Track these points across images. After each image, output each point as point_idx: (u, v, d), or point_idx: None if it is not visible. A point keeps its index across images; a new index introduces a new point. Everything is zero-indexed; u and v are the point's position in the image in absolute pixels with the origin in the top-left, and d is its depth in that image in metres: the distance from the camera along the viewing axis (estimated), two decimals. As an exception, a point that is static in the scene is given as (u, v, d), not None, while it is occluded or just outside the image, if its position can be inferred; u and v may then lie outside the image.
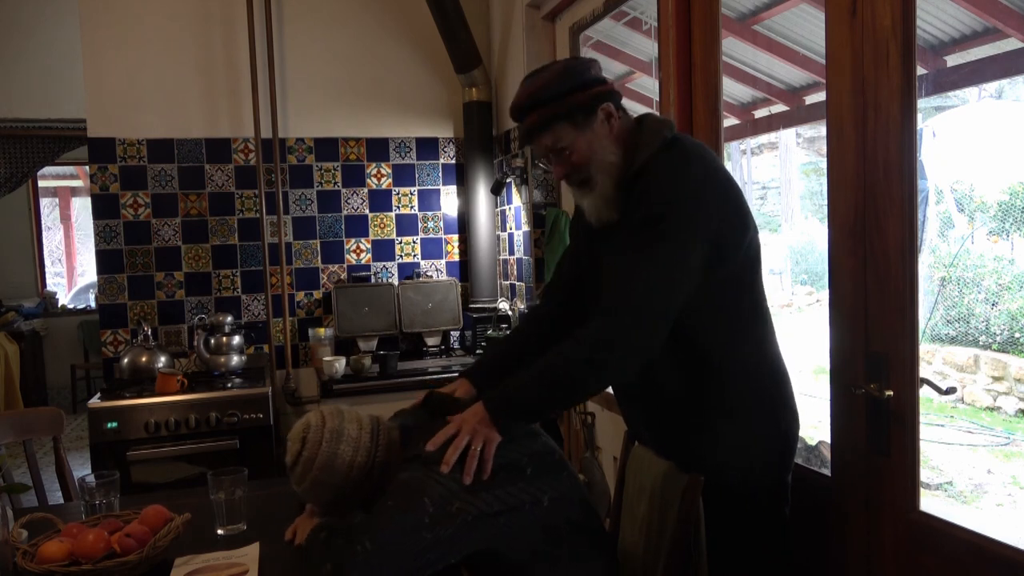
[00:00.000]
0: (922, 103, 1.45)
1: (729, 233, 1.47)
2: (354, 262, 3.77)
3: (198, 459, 2.99)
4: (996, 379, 2.99)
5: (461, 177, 3.87)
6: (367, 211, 3.77)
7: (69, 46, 4.85)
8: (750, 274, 1.54)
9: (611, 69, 3.63)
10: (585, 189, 1.55)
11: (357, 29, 3.70)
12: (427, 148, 3.84)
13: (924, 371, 1.45)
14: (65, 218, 8.32)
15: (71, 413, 6.61)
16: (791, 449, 1.58)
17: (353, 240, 3.76)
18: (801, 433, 1.61)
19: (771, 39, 3.11)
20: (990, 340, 2.95)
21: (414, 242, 3.85)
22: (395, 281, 3.81)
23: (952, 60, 2.38)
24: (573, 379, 1.43)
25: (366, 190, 3.77)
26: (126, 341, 3.46)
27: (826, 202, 1.60)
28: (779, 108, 3.35)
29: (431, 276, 3.86)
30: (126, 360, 3.28)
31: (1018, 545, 1.26)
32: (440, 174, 3.87)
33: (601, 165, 1.51)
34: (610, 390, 1.70)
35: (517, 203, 3.48)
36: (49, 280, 7.50)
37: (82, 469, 4.33)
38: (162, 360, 3.31)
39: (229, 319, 3.41)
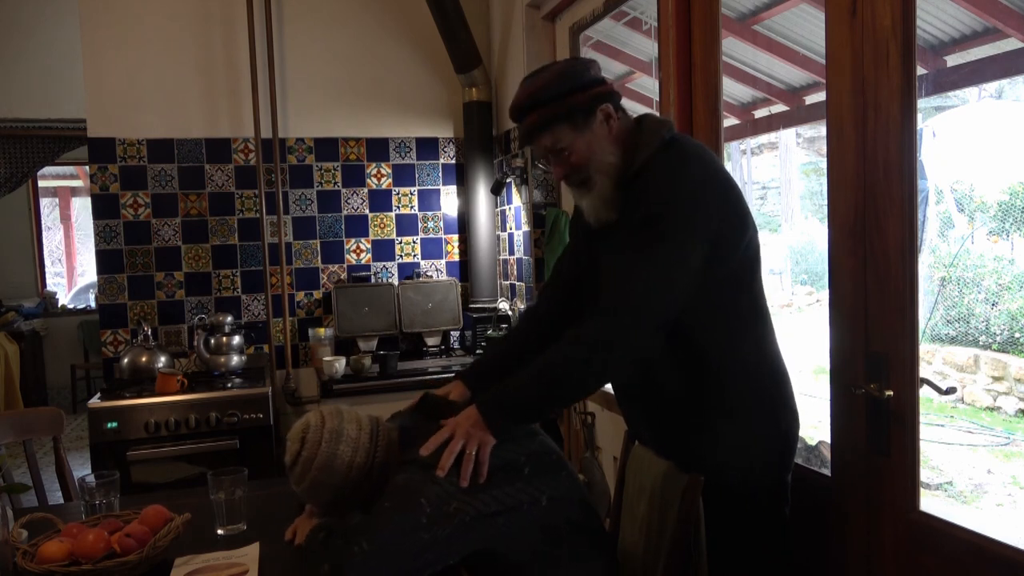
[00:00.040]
0: (922, 103, 1.45)
1: (728, 233, 1.47)
2: (354, 262, 3.77)
3: (198, 459, 2.99)
4: (996, 379, 2.99)
5: (461, 177, 3.87)
6: (367, 211, 3.77)
7: (69, 46, 4.85)
8: (749, 273, 1.54)
9: (611, 69, 3.63)
10: (584, 189, 1.55)
11: (357, 29, 3.70)
12: (427, 148, 3.84)
13: (924, 371, 1.45)
14: (65, 218, 8.32)
15: (71, 413, 6.61)
16: (791, 449, 1.58)
17: (353, 240, 3.76)
18: (801, 433, 1.61)
19: (771, 39, 3.11)
20: (990, 340, 2.95)
21: (414, 242, 3.85)
22: (395, 281, 3.81)
23: (952, 60, 2.38)
24: (572, 379, 1.43)
25: (366, 190, 3.77)
26: (126, 341, 3.46)
27: (826, 202, 1.60)
28: (779, 108, 3.35)
29: (431, 276, 3.86)
30: (126, 360, 3.28)
31: (1018, 545, 1.25)
32: (440, 174, 3.87)
33: (600, 166, 1.51)
34: (610, 390, 1.70)
35: (517, 203, 3.48)
36: (49, 280, 7.50)
37: (82, 469, 4.33)
38: (162, 360, 3.31)
39: (229, 319, 3.41)
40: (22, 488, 1.71)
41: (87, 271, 8.25)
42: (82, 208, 8.30)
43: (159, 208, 3.48)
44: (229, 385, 3.22)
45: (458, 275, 3.90)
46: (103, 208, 3.43)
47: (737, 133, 3.75)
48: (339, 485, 1.43)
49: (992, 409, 3.02)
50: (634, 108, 1.61)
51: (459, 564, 1.38)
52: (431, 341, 3.72)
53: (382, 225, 3.80)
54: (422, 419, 1.54)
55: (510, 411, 1.43)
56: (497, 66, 3.72)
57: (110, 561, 1.38)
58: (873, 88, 1.46)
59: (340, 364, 3.26)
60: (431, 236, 3.88)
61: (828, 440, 1.64)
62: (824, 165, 1.60)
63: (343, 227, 3.74)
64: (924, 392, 1.43)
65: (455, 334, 3.82)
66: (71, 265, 8.32)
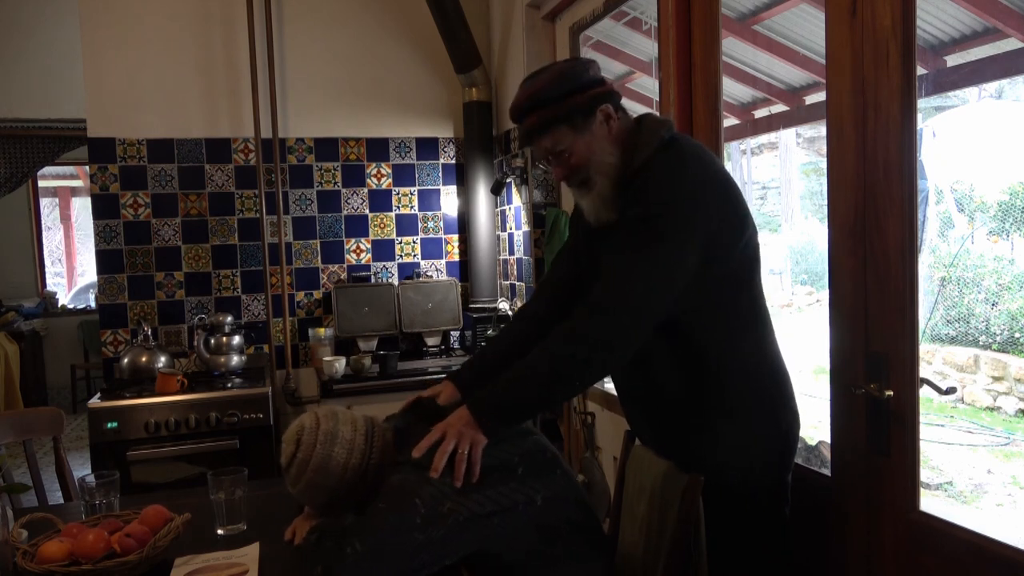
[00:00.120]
0: (922, 103, 1.45)
1: (727, 232, 1.47)
2: (354, 262, 3.77)
3: (198, 459, 2.99)
4: (996, 379, 2.99)
5: (461, 177, 3.87)
6: (367, 211, 3.77)
7: (69, 46, 4.85)
8: (748, 273, 1.53)
9: (611, 69, 3.63)
10: (584, 190, 1.55)
11: (357, 29, 3.70)
12: (427, 148, 3.84)
13: (924, 371, 1.45)
14: (65, 218, 8.32)
15: (71, 413, 6.61)
16: (791, 449, 1.58)
17: (353, 240, 3.76)
18: (801, 433, 1.61)
19: (771, 39, 3.11)
20: (990, 340, 2.95)
21: (414, 242, 3.86)
22: (395, 281, 3.81)
23: (952, 60, 2.39)
24: (570, 378, 1.42)
25: (366, 190, 3.77)
26: (126, 341, 3.46)
27: (826, 202, 1.60)
28: (779, 108, 3.35)
29: (431, 276, 3.86)
30: (126, 360, 3.28)
31: (1018, 545, 1.26)
32: (440, 174, 3.87)
33: (600, 166, 1.51)
34: (611, 390, 1.70)
35: (517, 203, 3.48)
36: (49, 280, 7.50)
37: (82, 469, 4.33)
38: (162, 360, 3.31)
39: (229, 319, 3.41)
40: (22, 488, 1.71)
41: (87, 271, 8.25)
42: (82, 208, 8.30)
43: (159, 208, 3.48)
44: (229, 385, 3.22)
45: (458, 275, 3.90)
46: (103, 208, 3.43)
47: (737, 133, 3.75)
48: (334, 486, 1.43)
49: (992, 409, 3.02)
50: (634, 108, 1.61)
51: (459, 564, 1.37)
52: (431, 341, 3.72)
53: (382, 225, 3.80)
54: (416, 420, 1.54)
55: (502, 410, 1.42)
56: (497, 66, 3.72)
57: (110, 561, 1.38)
58: (873, 88, 1.46)
59: (340, 364, 3.26)
60: (431, 236, 3.88)
61: (828, 440, 1.64)
62: (824, 165, 1.60)
63: (343, 227, 3.74)
64: (924, 392, 1.43)
65: (455, 334, 3.82)
66: (71, 265, 8.32)
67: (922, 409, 1.43)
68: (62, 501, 2.37)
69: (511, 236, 3.61)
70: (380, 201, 3.79)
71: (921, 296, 1.44)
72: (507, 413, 1.43)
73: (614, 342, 1.39)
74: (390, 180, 3.80)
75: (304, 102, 3.64)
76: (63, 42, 5.15)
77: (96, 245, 3.43)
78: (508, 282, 3.70)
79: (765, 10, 3.02)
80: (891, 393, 1.45)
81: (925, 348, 3.04)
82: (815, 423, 2.37)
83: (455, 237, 3.91)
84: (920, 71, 1.43)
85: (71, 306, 7.35)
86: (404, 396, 1.70)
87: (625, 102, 1.58)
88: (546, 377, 1.41)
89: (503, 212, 3.73)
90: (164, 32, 3.45)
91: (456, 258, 3.92)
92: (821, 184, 3.88)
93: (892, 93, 1.43)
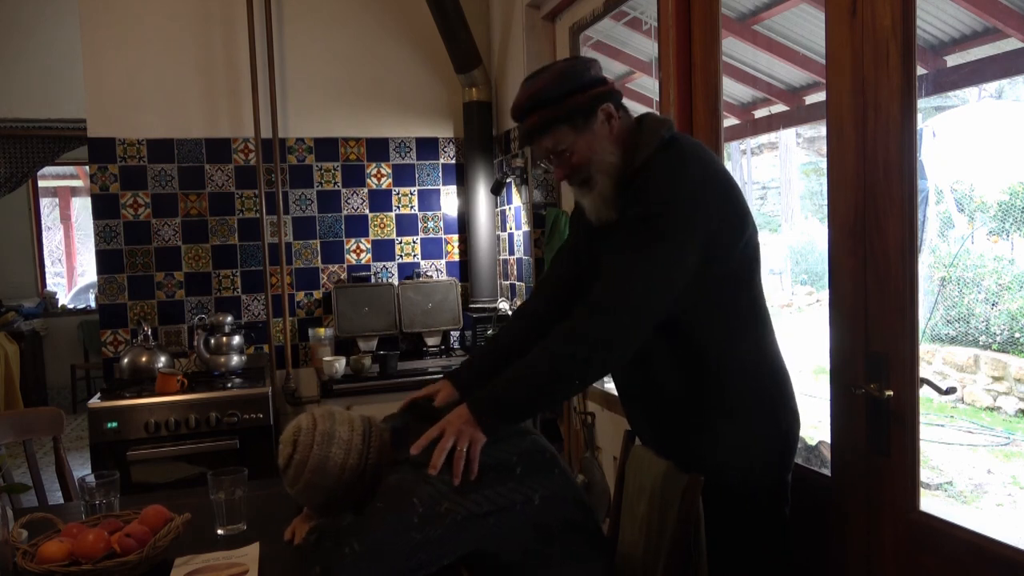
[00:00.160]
0: (922, 103, 1.45)
1: (727, 232, 1.47)
2: (354, 262, 3.77)
3: (198, 459, 2.99)
4: (996, 379, 2.99)
5: (461, 177, 3.87)
6: (367, 211, 3.77)
7: (69, 46, 4.85)
8: (748, 272, 1.53)
9: (611, 69, 3.63)
10: (585, 189, 1.55)
11: (357, 29, 3.70)
12: (427, 148, 3.84)
13: (924, 371, 1.45)
14: (65, 218, 8.32)
15: (71, 413, 6.61)
16: (791, 449, 1.58)
17: (353, 240, 3.76)
18: (801, 433, 1.61)
19: (771, 39, 3.11)
20: (990, 340, 2.95)
21: (414, 242, 3.86)
22: (395, 281, 3.81)
23: (952, 60, 2.39)
24: (570, 378, 1.42)
25: (366, 190, 3.77)
26: (126, 341, 3.46)
27: (826, 202, 1.60)
28: (779, 108, 3.35)
29: (431, 276, 3.86)
30: (126, 360, 3.28)
31: (1018, 545, 1.26)
32: (440, 174, 3.87)
33: (601, 165, 1.51)
34: (612, 390, 1.70)
35: (517, 203, 3.48)
36: (49, 280, 7.50)
37: (82, 469, 4.33)
38: (162, 360, 3.31)
39: (229, 319, 3.41)
40: (22, 488, 1.71)
41: (87, 271, 8.25)
42: (82, 208, 8.30)
43: (159, 208, 3.48)
44: (229, 385, 3.22)
45: (458, 275, 3.90)
46: (103, 208, 3.43)
47: (737, 133, 3.75)
48: (332, 487, 1.43)
49: (992, 409, 3.03)
50: (634, 108, 1.61)
51: (458, 563, 1.37)
52: (431, 341, 3.72)
53: (382, 225, 3.80)
54: (414, 419, 1.54)
55: (502, 409, 1.42)
56: (497, 66, 3.72)
57: (110, 561, 1.38)
58: (873, 88, 1.46)
59: (340, 364, 3.26)
60: (431, 236, 3.88)
61: (828, 440, 1.64)
62: (824, 165, 1.60)
63: (343, 227, 3.74)
64: (924, 392, 1.43)
65: (455, 334, 3.82)
66: (71, 265, 8.32)
67: (922, 409, 1.43)
68: (62, 501, 2.37)
69: (511, 236, 3.61)
70: (380, 201, 3.79)
71: (921, 296, 1.44)
72: (507, 412, 1.43)
73: (614, 342, 1.39)
74: (390, 180, 3.80)
75: (304, 102, 3.64)
76: (63, 42, 5.15)
77: (96, 245, 3.43)
78: (508, 282, 3.70)
79: (765, 10, 3.02)
80: (891, 393, 1.45)
81: (925, 348, 3.04)
82: (815, 423, 2.37)
83: (455, 237, 3.91)
84: (920, 71, 1.43)
85: (71, 306, 7.35)
86: (404, 396, 1.70)
87: (625, 102, 1.58)
88: (546, 376, 1.41)
89: (503, 212, 3.73)
90: (164, 32, 3.45)
91: (456, 258, 3.92)
92: (821, 184, 3.88)
93: (892, 93, 1.43)
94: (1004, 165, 2.91)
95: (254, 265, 3.60)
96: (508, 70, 3.56)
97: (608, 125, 1.52)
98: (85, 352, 6.91)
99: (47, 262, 7.39)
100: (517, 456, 1.41)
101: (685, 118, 2.16)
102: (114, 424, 2.95)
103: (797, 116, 3.50)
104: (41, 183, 7.56)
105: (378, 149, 3.77)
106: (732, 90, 3.38)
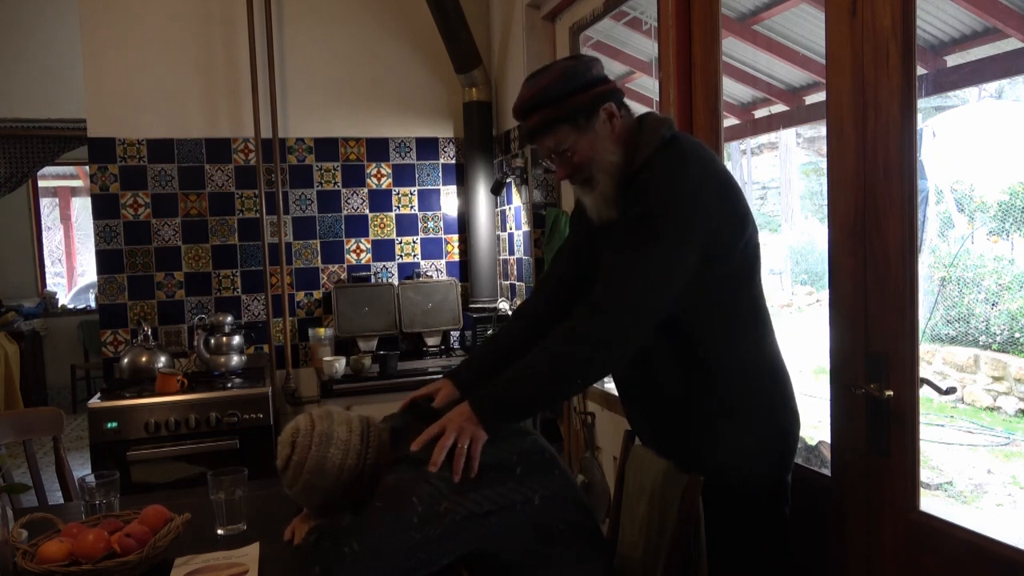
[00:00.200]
0: (922, 103, 1.45)
1: (727, 231, 1.47)
2: (354, 262, 3.77)
3: (198, 459, 2.99)
4: (996, 379, 2.99)
5: (461, 177, 3.87)
6: (367, 211, 3.77)
7: (69, 46, 4.85)
8: (748, 272, 1.53)
9: (611, 69, 3.63)
10: (587, 188, 1.55)
11: (357, 29, 3.70)
12: (427, 148, 3.84)
13: (924, 371, 1.45)
14: (65, 218, 8.32)
15: (71, 413, 6.61)
16: (791, 449, 1.58)
17: (353, 240, 3.76)
18: (801, 433, 1.61)
19: (771, 39, 3.11)
20: (990, 340, 2.95)
21: (414, 242, 3.86)
22: (395, 281, 3.81)
23: (952, 60, 2.39)
24: (571, 377, 1.42)
25: (366, 190, 3.77)
26: (126, 341, 3.46)
27: (826, 202, 1.60)
28: (779, 108, 3.35)
29: (431, 276, 3.86)
30: (126, 360, 3.28)
31: (1018, 545, 1.26)
32: (440, 174, 3.87)
33: (602, 165, 1.51)
34: (612, 390, 1.70)
35: (517, 203, 3.48)
36: (49, 280, 7.50)
37: (82, 469, 4.33)
38: (162, 360, 3.31)
39: (229, 319, 3.41)
40: (22, 488, 1.71)
41: (87, 271, 8.25)
42: (82, 208, 8.30)
43: (159, 208, 3.48)
44: (229, 385, 3.22)
45: (458, 275, 3.90)
46: (103, 208, 3.43)
47: (737, 133, 3.75)
48: (330, 488, 1.43)
49: (992, 409, 3.03)
50: (634, 108, 1.61)
51: (458, 563, 1.37)
52: (431, 341, 3.72)
53: (382, 225, 3.80)
54: (413, 419, 1.54)
55: (503, 407, 1.42)
56: (497, 66, 3.72)
57: (110, 561, 1.38)
58: (873, 88, 1.46)
59: (340, 364, 3.26)
60: (431, 236, 3.88)
61: (828, 440, 1.64)
62: (824, 165, 1.60)
63: (343, 227, 3.74)
64: (924, 392, 1.43)
65: (455, 334, 3.82)
66: (71, 265, 8.32)
67: (922, 409, 1.43)
68: (62, 501, 2.37)
69: (511, 236, 3.61)
70: (380, 201, 3.79)
71: (921, 296, 1.44)
72: (508, 410, 1.43)
73: (614, 341, 1.39)
74: (390, 180, 3.80)
75: (304, 102, 3.64)
76: (63, 42, 5.15)
77: (96, 245, 3.43)
78: (508, 282, 3.70)
79: (765, 10, 3.02)
80: (891, 393, 1.45)
81: (925, 348, 3.04)
82: (815, 423, 2.37)
83: (455, 237, 3.91)
84: (920, 71, 1.43)
85: (71, 306, 7.35)
86: (404, 396, 1.70)
87: (626, 101, 1.58)
88: (546, 376, 1.41)
89: (503, 212, 3.73)
90: (164, 32, 3.45)
91: (456, 258, 3.92)
92: (821, 184, 3.88)
93: (892, 93, 1.43)
94: (1004, 165, 2.91)
95: (254, 265, 3.60)
96: (508, 70, 3.56)
97: (610, 124, 1.51)
98: (85, 352, 6.91)
99: (47, 262, 7.39)
100: (517, 456, 1.41)
101: (685, 118, 2.16)
102: (114, 424, 2.95)
103: (797, 116, 3.50)
104: (41, 183, 7.56)
105: (378, 149, 3.77)
106: (732, 90, 3.38)
